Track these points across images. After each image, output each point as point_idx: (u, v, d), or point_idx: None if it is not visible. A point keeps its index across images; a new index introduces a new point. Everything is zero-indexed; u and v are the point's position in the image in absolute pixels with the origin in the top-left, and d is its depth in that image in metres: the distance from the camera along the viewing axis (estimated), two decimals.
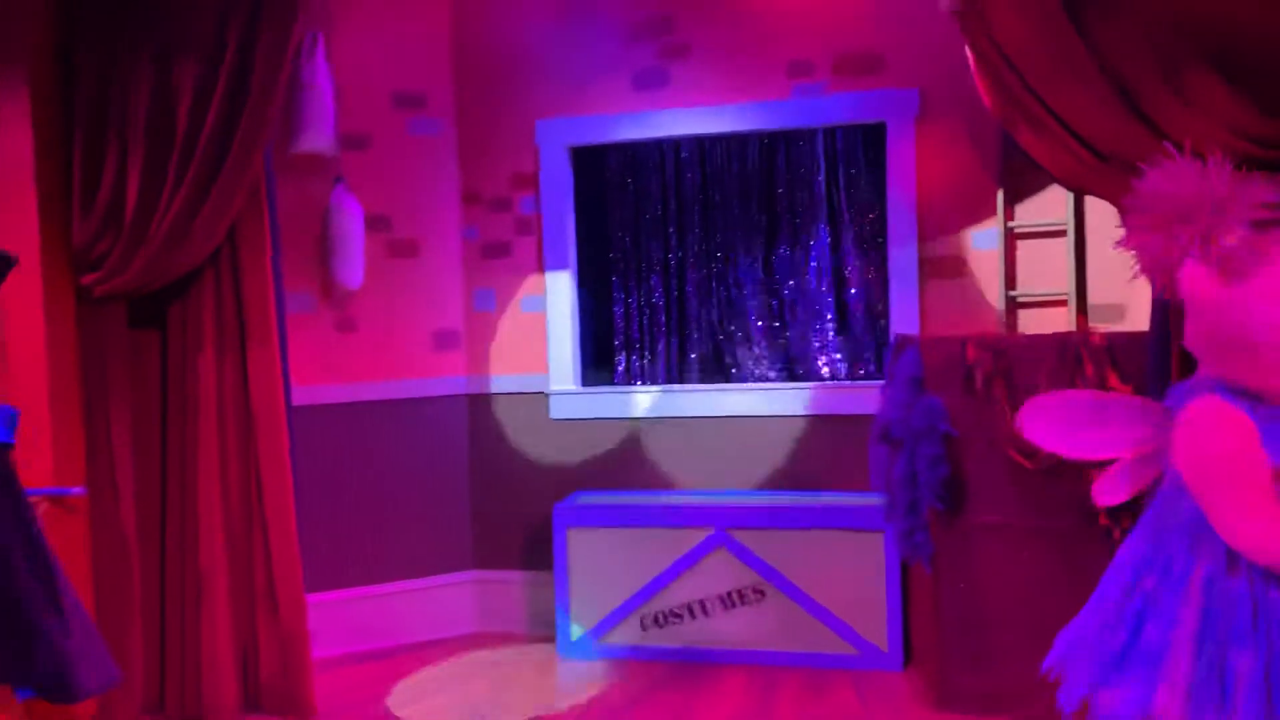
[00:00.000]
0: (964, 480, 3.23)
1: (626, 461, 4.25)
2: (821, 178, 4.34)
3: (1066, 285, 3.73)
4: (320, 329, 4.11)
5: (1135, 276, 2.21)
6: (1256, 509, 1.89)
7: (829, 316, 4.39)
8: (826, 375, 4.39)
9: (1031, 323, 3.80)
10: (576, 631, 4.00)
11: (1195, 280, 2.03)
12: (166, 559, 3.45)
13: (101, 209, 3.23)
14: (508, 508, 4.37)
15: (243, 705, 3.46)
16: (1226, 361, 2.01)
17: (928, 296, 3.94)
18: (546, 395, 4.33)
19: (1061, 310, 3.77)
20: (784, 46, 4.04)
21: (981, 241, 3.89)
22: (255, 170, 3.30)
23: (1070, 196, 3.67)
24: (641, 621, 3.94)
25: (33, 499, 2.99)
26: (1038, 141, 2.70)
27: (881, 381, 3.68)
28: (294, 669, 3.43)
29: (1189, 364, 2.23)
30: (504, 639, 4.28)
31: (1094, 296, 3.73)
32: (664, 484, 4.22)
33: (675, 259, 4.55)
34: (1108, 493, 2.55)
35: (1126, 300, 3.64)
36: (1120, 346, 3.07)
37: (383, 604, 4.23)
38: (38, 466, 3.06)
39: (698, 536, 3.87)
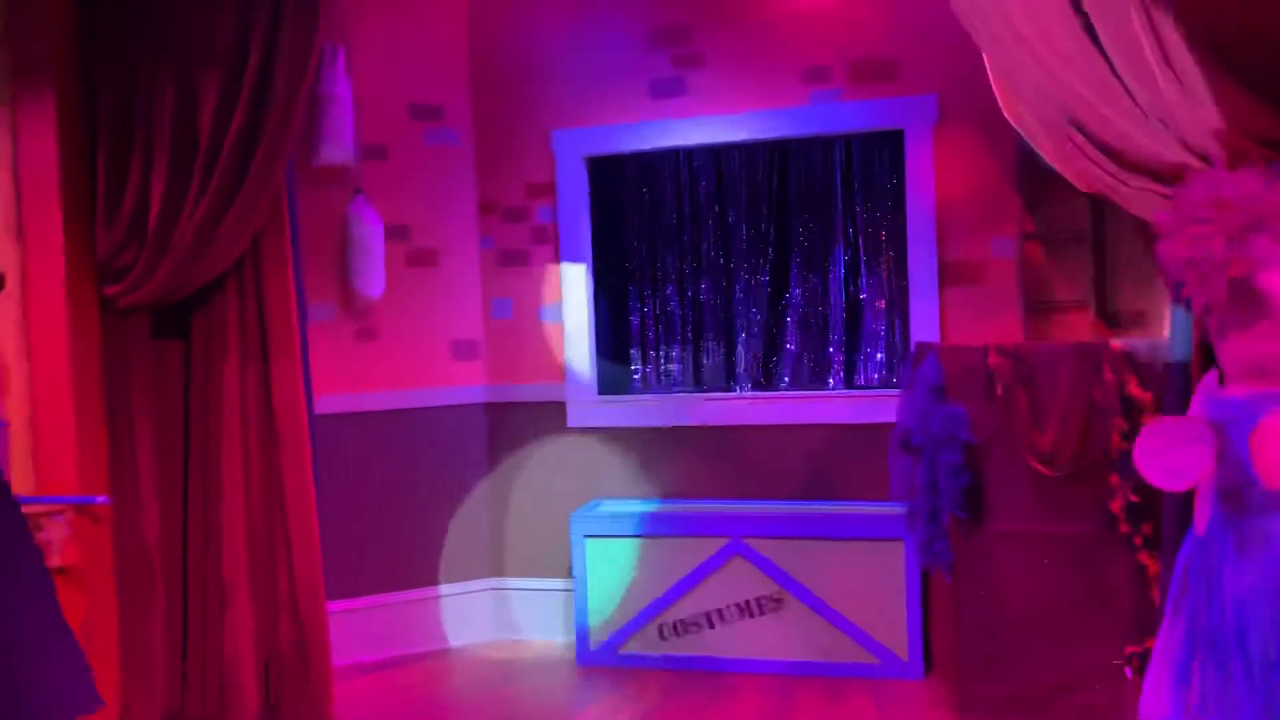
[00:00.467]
0: (984, 488, 3.22)
1: (644, 470, 4.26)
2: (839, 185, 4.34)
3: (1086, 292, 3.71)
4: (341, 338, 4.13)
5: (1181, 288, 2.10)
6: None
7: (846, 324, 4.38)
8: (844, 384, 4.38)
9: (1051, 330, 3.78)
10: (594, 640, 4.00)
11: None
12: (189, 566, 3.46)
13: (125, 219, 3.25)
14: (525, 516, 4.38)
15: (263, 712, 3.46)
16: None
17: (947, 303, 3.93)
18: (564, 404, 4.34)
19: (1082, 317, 3.75)
20: (800, 54, 4.04)
21: (1000, 248, 3.88)
22: (278, 178, 3.30)
23: (1090, 202, 3.65)
24: (660, 630, 3.94)
25: (58, 508, 3.02)
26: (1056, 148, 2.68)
27: (900, 390, 3.68)
28: (315, 676, 3.43)
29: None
30: (522, 647, 4.28)
31: (1114, 303, 3.71)
32: (681, 493, 4.21)
33: (691, 267, 4.56)
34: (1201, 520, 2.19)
35: (1147, 307, 3.62)
36: (1140, 354, 3.06)
37: (402, 612, 4.24)
38: (62, 476, 3.08)
39: (715, 545, 3.86)
